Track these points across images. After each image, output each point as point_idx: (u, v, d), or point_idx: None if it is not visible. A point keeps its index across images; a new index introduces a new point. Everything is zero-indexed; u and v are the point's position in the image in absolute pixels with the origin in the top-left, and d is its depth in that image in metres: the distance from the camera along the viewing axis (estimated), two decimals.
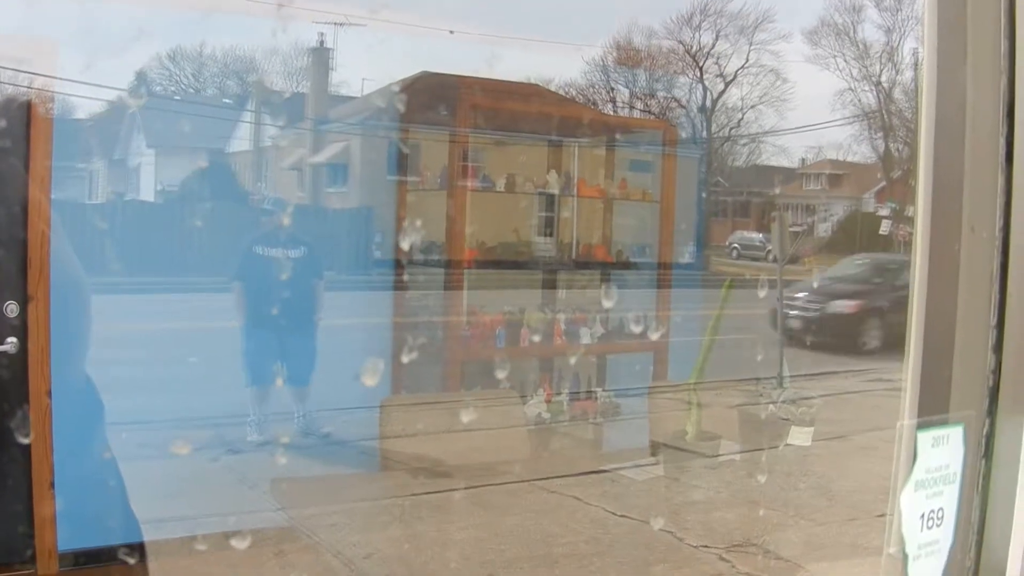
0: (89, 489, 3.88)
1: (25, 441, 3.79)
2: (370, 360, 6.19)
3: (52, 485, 3.84)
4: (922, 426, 1.60)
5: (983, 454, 1.66)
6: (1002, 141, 1.62)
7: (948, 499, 1.64)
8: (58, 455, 3.81)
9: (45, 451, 3.82)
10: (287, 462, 7.16)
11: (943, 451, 1.61)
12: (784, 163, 25.35)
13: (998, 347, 1.66)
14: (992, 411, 1.65)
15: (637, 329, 8.38)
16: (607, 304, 8.42)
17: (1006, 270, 1.64)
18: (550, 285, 8.65)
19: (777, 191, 23.99)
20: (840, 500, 6.42)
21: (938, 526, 1.62)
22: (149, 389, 7.66)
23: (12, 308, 3.79)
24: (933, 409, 1.63)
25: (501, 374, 7.66)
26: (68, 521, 3.88)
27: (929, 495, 1.61)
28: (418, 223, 8.13)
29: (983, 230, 1.63)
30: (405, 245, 7.83)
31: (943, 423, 1.62)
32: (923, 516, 1.61)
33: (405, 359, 7.32)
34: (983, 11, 1.63)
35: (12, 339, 3.78)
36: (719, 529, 5.93)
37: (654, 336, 8.28)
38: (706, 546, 5.61)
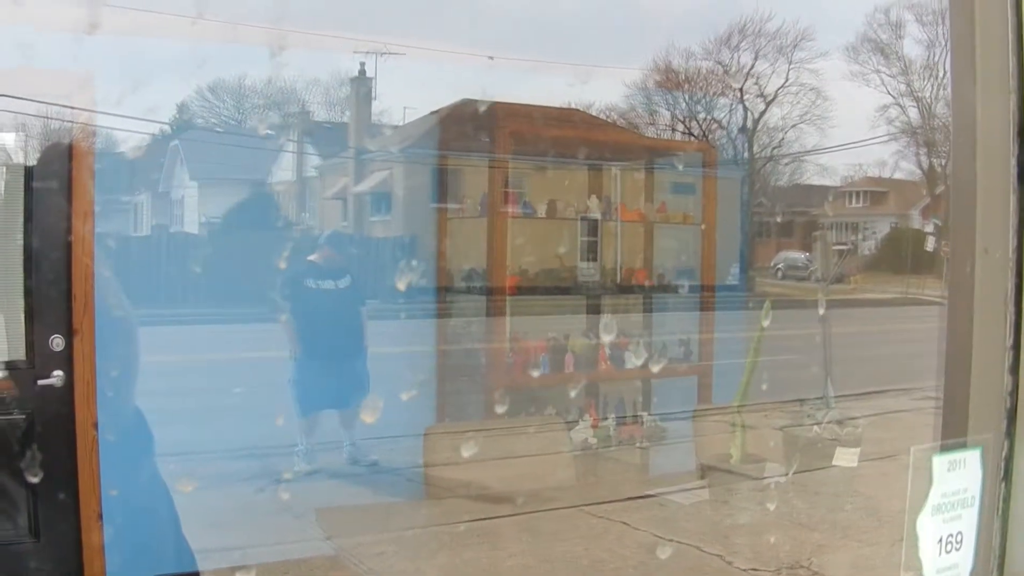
0: (139, 520, 3.93)
1: (73, 473, 3.85)
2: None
3: (100, 516, 3.89)
4: (940, 449, 1.59)
5: (1002, 477, 1.64)
6: (1013, 162, 1.60)
7: (967, 523, 1.62)
8: (106, 486, 3.87)
9: (93, 482, 3.87)
10: (335, 491, 7.20)
11: (960, 475, 1.60)
12: (827, 182, 25.19)
13: (1015, 368, 1.63)
14: (1011, 433, 1.63)
15: (681, 353, 8.37)
16: (651, 334, 8.42)
17: (1020, 291, 1.61)
18: (594, 310, 8.64)
19: (820, 210, 23.82)
20: (889, 520, 6.33)
21: (957, 550, 1.61)
22: (196, 419, 7.74)
23: (58, 342, 3.86)
24: (951, 432, 1.62)
25: (546, 400, 7.66)
26: (117, 551, 3.93)
27: (947, 519, 1.59)
28: (462, 250, 8.18)
29: (996, 251, 1.62)
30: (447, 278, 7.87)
31: (960, 447, 1.61)
32: (940, 540, 1.60)
33: (449, 386, 7.34)
34: (990, 28, 1.62)
35: (59, 372, 3.85)
36: (768, 552, 5.88)
37: (698, 359, 8.26)
38: (755, 569, 5.56)
